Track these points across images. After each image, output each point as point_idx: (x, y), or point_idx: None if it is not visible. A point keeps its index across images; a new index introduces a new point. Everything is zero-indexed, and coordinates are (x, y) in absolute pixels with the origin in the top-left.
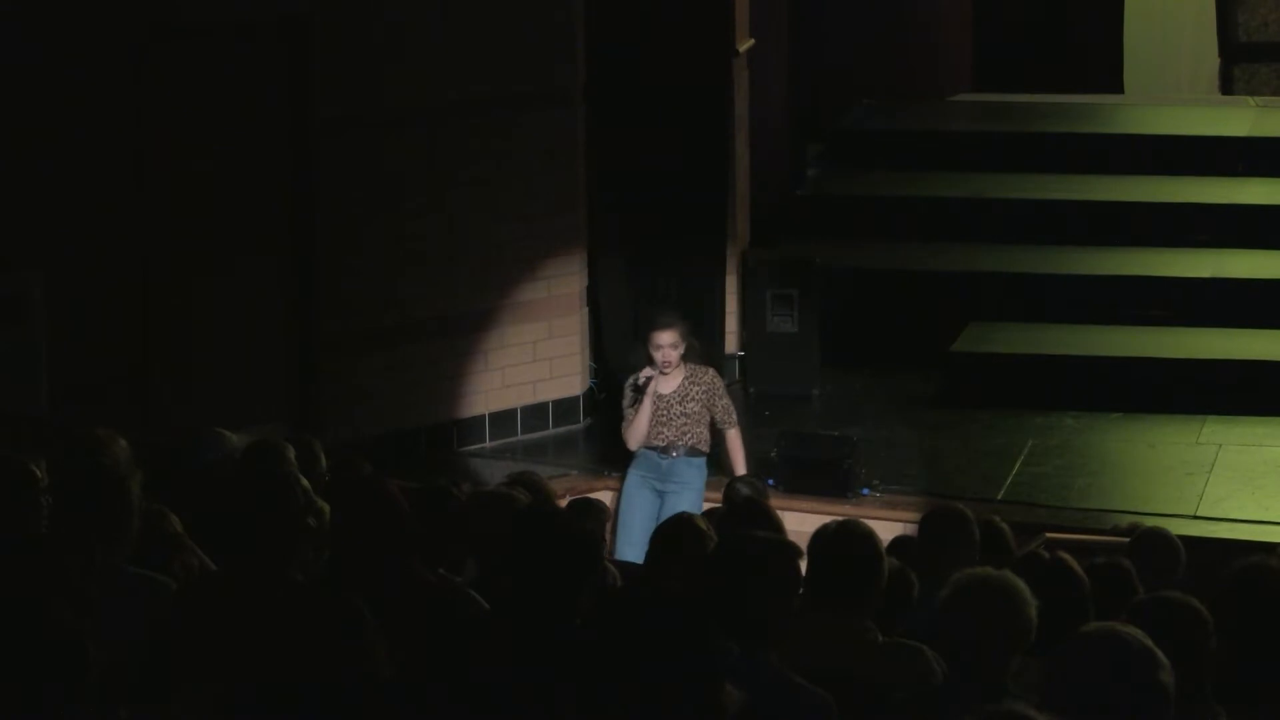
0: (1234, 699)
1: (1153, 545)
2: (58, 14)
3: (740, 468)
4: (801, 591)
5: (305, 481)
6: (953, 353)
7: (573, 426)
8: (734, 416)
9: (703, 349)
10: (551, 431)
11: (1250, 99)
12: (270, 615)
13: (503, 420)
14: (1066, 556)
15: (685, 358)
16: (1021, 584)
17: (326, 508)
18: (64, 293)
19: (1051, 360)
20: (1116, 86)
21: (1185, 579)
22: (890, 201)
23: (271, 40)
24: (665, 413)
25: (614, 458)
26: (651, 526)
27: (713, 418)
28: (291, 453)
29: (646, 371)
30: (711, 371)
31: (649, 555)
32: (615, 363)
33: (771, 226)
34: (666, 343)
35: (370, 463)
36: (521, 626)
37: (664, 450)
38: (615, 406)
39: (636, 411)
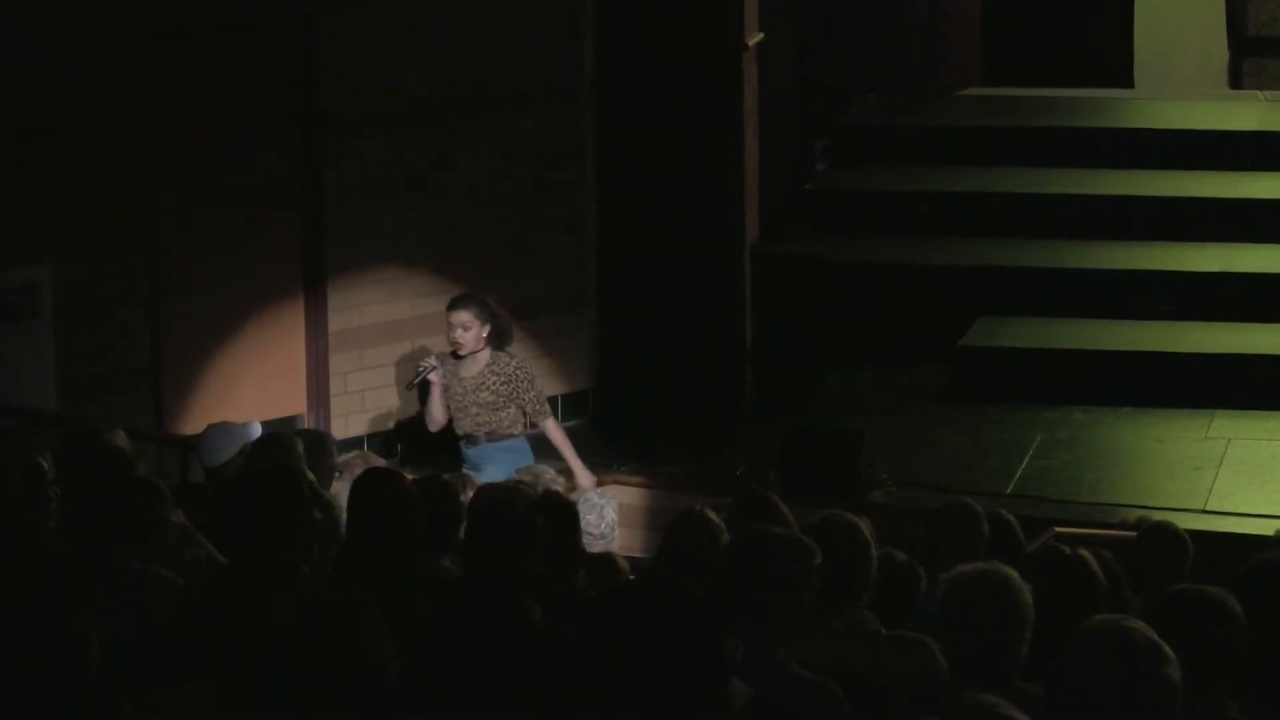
0: (1244, 695)
1: (1160, 539)
2: (63, 11)
3: (570, 458)
4: (812, 591)
5: (311, 475)
6: (961, 347)
7: (581, 420)
8: (546, 408)
9: (507, 331)
10: (560, 423)
11: (1260, 93)
12: (276, 609)
13: None
14: (1085, 553)
15: (494, 343)
16: (1014, 574)
17: (334, 501)
18: (72, 288)
19: (1060, 355)
20: (1125, 81)
21: (1193, 573)
22: (898, 196)
23: (276, 38)
24: (462, 400)
25: (621, 452)
26: None
27: (524, 411)
28: (299, 446)
29: (429, 362)
30: (515, 361)
31: (660, 550)
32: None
33: (779, 221)
34: (459, 322)
35: (380, 456)
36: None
37: (467, 440)
38: (618, 402)
39: (420, 398)
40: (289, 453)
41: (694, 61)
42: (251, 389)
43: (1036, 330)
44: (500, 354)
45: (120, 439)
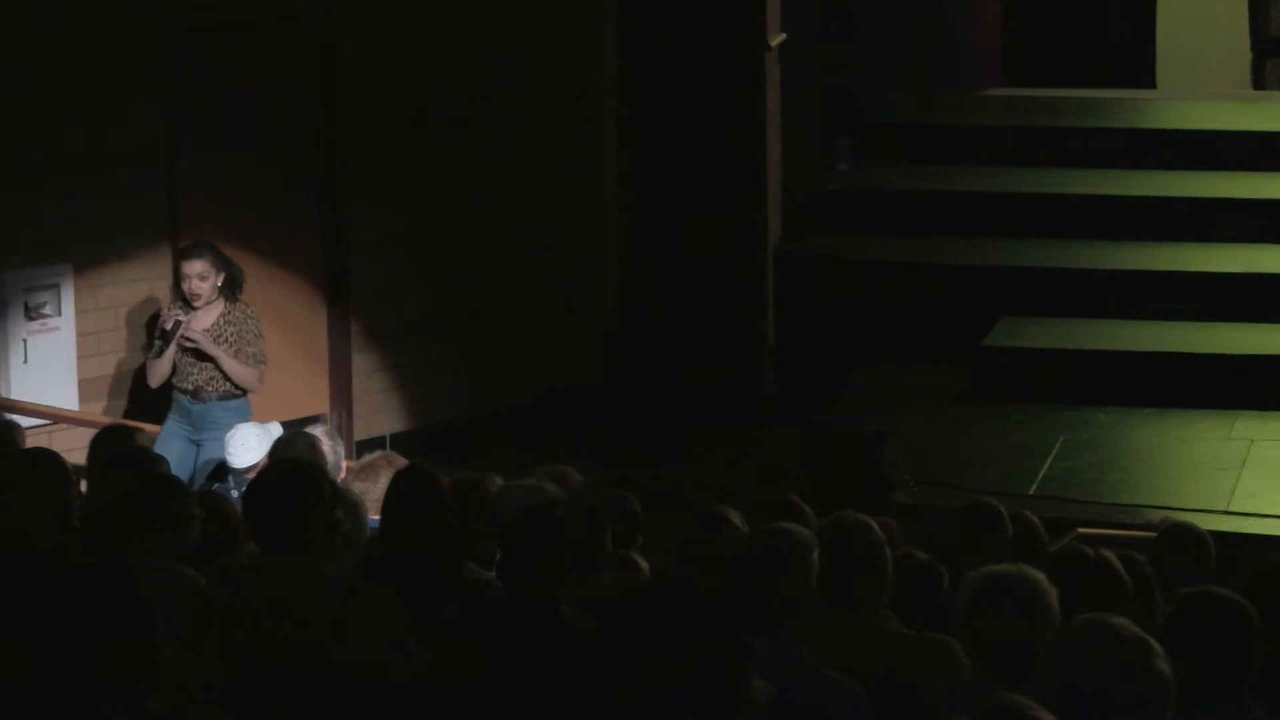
0: (1265, 696)
1: (1181, 540)
2: (85, 10)
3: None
4: (813, 584)
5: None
6: (984, 347)
7: (600, 418)
8: (262, 364)
9: (239, 279)
10: (577, 424)
11: None
12: (300, 607)
13: (532, 413)
14: (1109, 554)
15: (226, 293)
16: (1040, 576)
17: (359, 501)
18: (95, 288)
19: (1083, 355)
20: (1148, 81)
21: (1215, 574)
22: (921, 196)
23: (300, 33)
24: (194, 353)
25: (640, 448)
26: (187, 477)
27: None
28: (324, 445)
29: (176, 314)
30: (249, 309)
31: (680, 550)
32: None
33: (802, 220)
34: (194, 272)
35: (402, 455)
36: (539, 618)
37: (194, 394)
38: (638, 402)
39: (159, 352)
40: (311, 451)
41: (716, 61)
42: (273, 388)
43: (1059, 331)
44: (232, 303)
45: (143, 438)
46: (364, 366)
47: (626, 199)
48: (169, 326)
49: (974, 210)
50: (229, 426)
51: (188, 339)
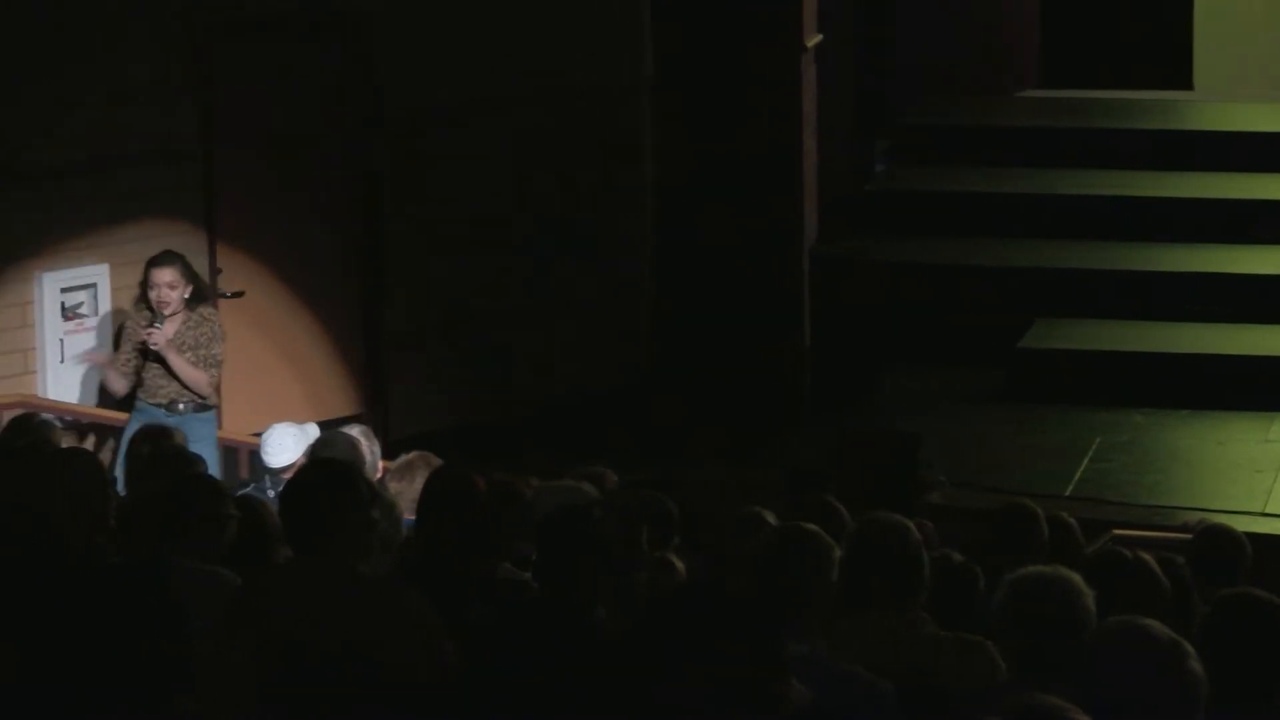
0: None
1: (1217, 542)
2: (122, 11)
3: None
4: (831, 584)
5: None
6: (1021, 348)
7: (635, 418)
8: (214, 368)
9: (207, 292)
10: (612, 424)
11: None
12: (334, 607)
13: (567, 412)
14: (1146, 556)
15: (193, 303)
16: (1077, 578)
17: (395, 502)
18: (130, 289)
19: (1120, 357)
20: (1185, 83)
21: (1251, 577)
22: (957, 197)
23: (335, 38)
24: (163, 364)
25: (674, 449)
26: None
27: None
28: (363, 446)
29: (156, 325)
30: (209, 312)
31: (715, 552)
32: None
33: (838, 222)
34: (163, 281)
35: (440, 456)
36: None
37: (168, 408)
38: (674, 403)
39: (133, 365)
40: (351, 451)
41: (752, 62)
42: (310, 388)
43: (1095, 332)
44: (196, 311)
45: (179, 437)
46: (400, 366)
47: (661, 199)
48: (144, 338)
49: (1010, 212)
50: (203, 438)
51: (154, 346)
